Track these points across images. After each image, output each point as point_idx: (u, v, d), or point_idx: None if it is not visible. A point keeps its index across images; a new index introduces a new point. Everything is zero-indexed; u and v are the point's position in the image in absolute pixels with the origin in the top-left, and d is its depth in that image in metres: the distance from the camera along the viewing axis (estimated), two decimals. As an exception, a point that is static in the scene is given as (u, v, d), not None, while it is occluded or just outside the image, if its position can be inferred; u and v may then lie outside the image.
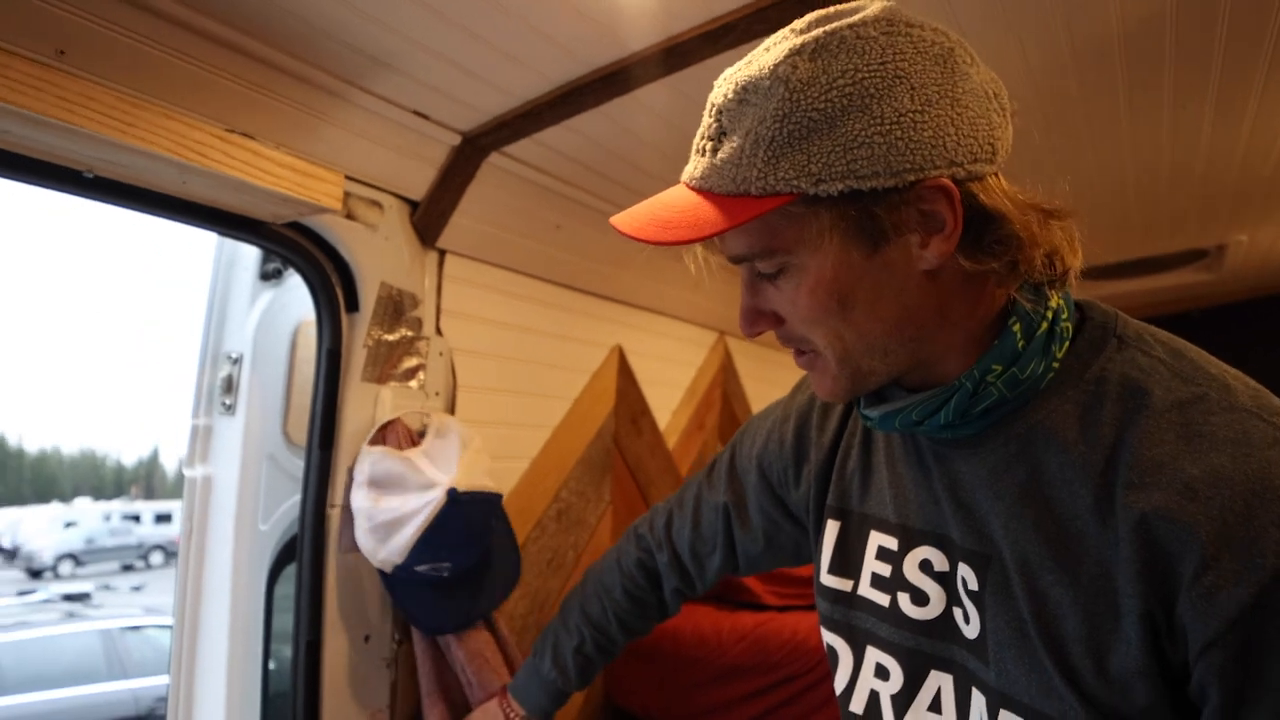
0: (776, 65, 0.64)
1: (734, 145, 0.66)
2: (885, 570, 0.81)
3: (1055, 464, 0.66)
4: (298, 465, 1.65)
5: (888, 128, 0.62)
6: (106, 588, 16.99)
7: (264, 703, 1.61)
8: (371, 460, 1.49)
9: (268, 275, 1.67)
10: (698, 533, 1.20)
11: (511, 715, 1.35)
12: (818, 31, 0.64)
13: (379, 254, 1.58)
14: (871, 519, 0.84)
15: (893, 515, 0.81)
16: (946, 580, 0.75)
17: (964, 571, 0.73)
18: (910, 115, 0.62)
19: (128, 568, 24.57)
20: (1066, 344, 0.70)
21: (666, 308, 2.58)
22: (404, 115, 1.48)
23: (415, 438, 1.63)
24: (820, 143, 0.63)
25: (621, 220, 0.71)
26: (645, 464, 2.50)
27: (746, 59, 0.70)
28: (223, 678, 1.58)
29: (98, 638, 6.91)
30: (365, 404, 1.59)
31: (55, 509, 31.67)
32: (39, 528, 27.09)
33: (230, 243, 1.68)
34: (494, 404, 1.91)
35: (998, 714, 0.68)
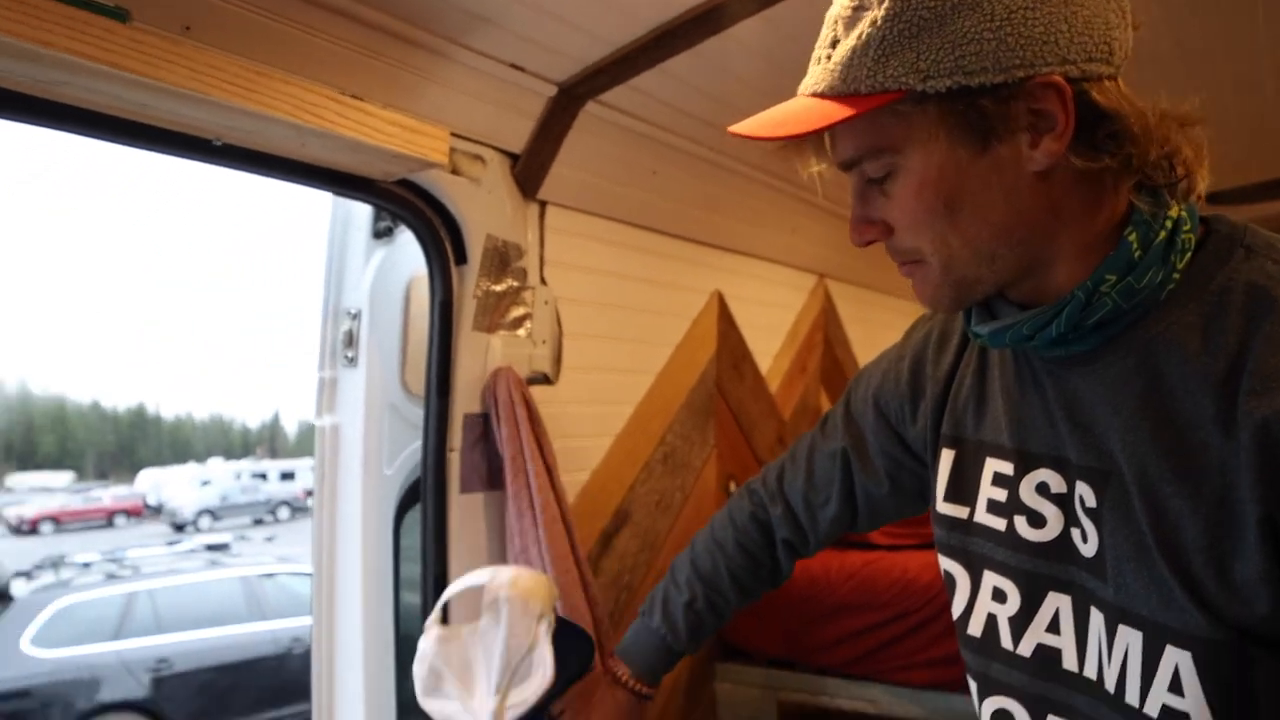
0: None
1: (848, 47, 0.67)
2: (1001, 495, 0.80)
3: (1176, 375, 0.65)
4: (416, 413, 1.73)
5: (998, 24, 0.61)
6: (243, 538, 18.28)
7: (396, 639, 1.72)
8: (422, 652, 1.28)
9: (380, 233, 1.75)
10: (811, 483, 1.16)
11: (620, 674, 1.24)
12: None
13: (483, 207, 1.62)
14: (987, 445, 0.83)
15: (1008, 440, 0.80)
16: (1064, 501, 0.74)
17: (1082, 490, 0.72)
18: (1021, 11, 0.61)
19: (258, 521, 26.33)
20: (1189, 255, 0.67)
21: (765, 251, 2.56)
22: (501, 69, 1.51)
23: (524, 386, 1.68)
24: (930, 40, 0.63)
25: (737, 126, 0.73)
26: (748, 408, 2.51)
27: None
28: (359, 615, 1.70)
29: (238, 583, 7.48)
30: (477, 352, 1.65)
31: (192, 469, 34.15)
32: (179, 487, 29.32)
33: (344, 205, 1.76)
34: (598, 350, 1.95)
35: (1115, 629, 0.68)
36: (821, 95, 0.69)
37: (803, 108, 0.69)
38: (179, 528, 24.65)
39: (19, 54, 0.87)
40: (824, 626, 2.12)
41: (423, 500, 1.63)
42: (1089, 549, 0.71)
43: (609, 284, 1.99)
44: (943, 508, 0.88)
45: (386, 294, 1.75)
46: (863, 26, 0.66)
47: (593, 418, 1.96)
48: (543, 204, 1.79)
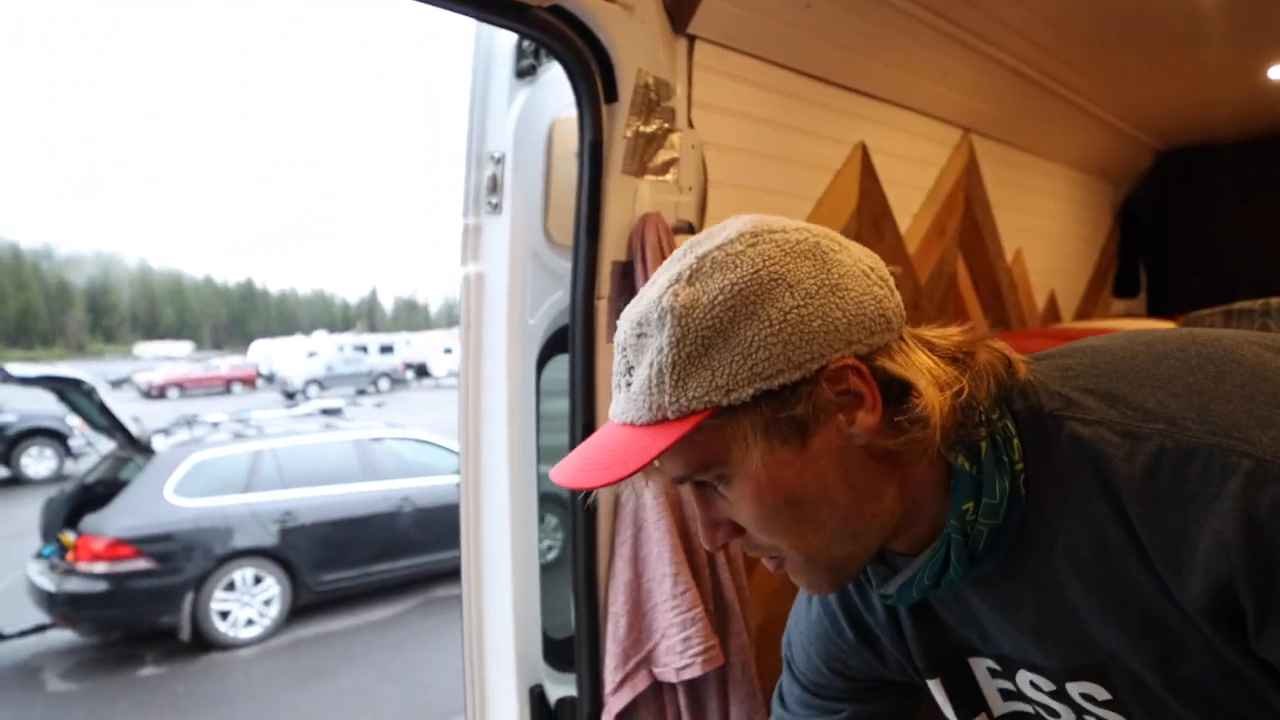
0: (660, 297, 0.66)
1: (643, 376, 0.67)
2: (1008, 685, 0.81)
3: (1100, 566, 0.66)
4: (558, 263, 1.70)
5: (778, 327, 0.64)
6: (354, 404, 19.30)
7: (537, 481, 1.75)
8: None
9: (523, 72, 1.67)
10: None
11: None
12: (691, 259, 0.67)
13: (634, 39, 1.52)
14: (963, 649, 0.83)
15: (979, 644, 0.80)
16: (1062, 697, 0.76)
17: (1082, 688, 0.73)
18: (795, 310, 0.64)
19: (361, 392, 27.70)
20: (1015, 441, 0.68)
21: (910, 100, 2.38)
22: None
23: (671, 234, 1.62)
24: (720, 356, 0.64)
25: (557, 473, 0.71)
26: (884, 271, 2.39)
27: (638, 296, 0.72)
28: (504, 462, 1.72)
29: (351, 446, 7.89)
30: (626, 197, 1.59)
31: (299, 341, 35.89)
32: (288, 358, 30.94)
33: (487, 42, 1.68)
34: (742, 200, 1.86)
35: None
36: (632, 424, 0.68)
37: (619, 440, 0.69)
38: (290, 395, 26.15)
39: None
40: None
41: (570, 348, 1.61)
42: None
43: (754, 130, 1.88)
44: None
45: (530, 137, 1.69)
46: (650, 354, 0.66)
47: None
48: (691, 39, 1.67)
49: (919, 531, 0.73)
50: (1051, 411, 0.67)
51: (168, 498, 6.43)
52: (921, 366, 0.67)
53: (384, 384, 29.59)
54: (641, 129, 1.59)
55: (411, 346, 36.01)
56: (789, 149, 1.99)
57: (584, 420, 1.60)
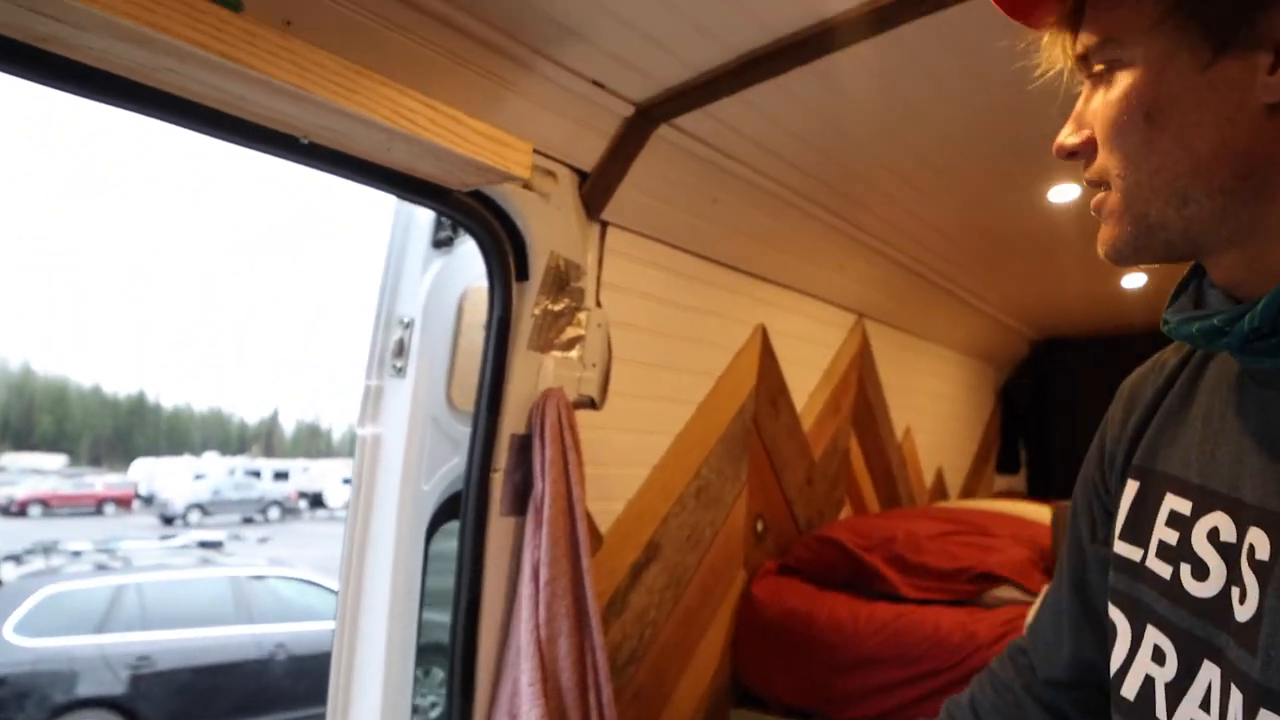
0: None
1: None
2: (1173, 538, 0.70)
3: None
4: (457, 429, 1.70)
5: None
6: (236, 538, 18.14)
7: (418, 650, 1.68)
8: None
9: (440, 243, 1.72)
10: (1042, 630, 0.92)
11: None
12: None
13: (550, 224, 1.60)
14: (1171, 479, 0.72)
15: (1194, 475, 0.69)
16: (1230, 551, 0.63)
17: (1254, 537, 0.60)
18: None
19: (248, 520, 26.11)
20: None
21: (808, 287, 2.54)
22: (582, 85, 1.49)
23: (571, 410, 1.65)
24: None
25: None
26: (781, 445, 2.47)
27: None
28: (383, 628, 1.65)
29: (227, 584, 7.37)
30: (530, 372, 1.62)
31: (185, 461, 33.96)
32: (172, 478, 29.15)
33: (406, 212, 1.74)
34: (645, 377, 1.92)
35: (1255, 715, 0.57)
36: None
37: None
38: (168, 520, 24.43)
39: (132, 38, 0.85)
40: (849, 678, 2.06)
41: (462, 520, 1.59)
42: (1245, 612, 0.60)
43: (660, 310, 1.96)
44: (1118, 546, 0.76)
45: (440, 305, 1.73)
46: None
47: (633, 446, 1.92)
48: (604, 224, 1.77)
49: (1258, 268, 0.60)
50: None
51: (6, 636, 5.80)
52: None
53: (274, 513, 27.96)
54: (550, 307, 1.64)
55: (309, 474, 34.50)
56: (693, 329, 2.08)
57: (470, 595, 1.56)
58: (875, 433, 3.07)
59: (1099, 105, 0.62)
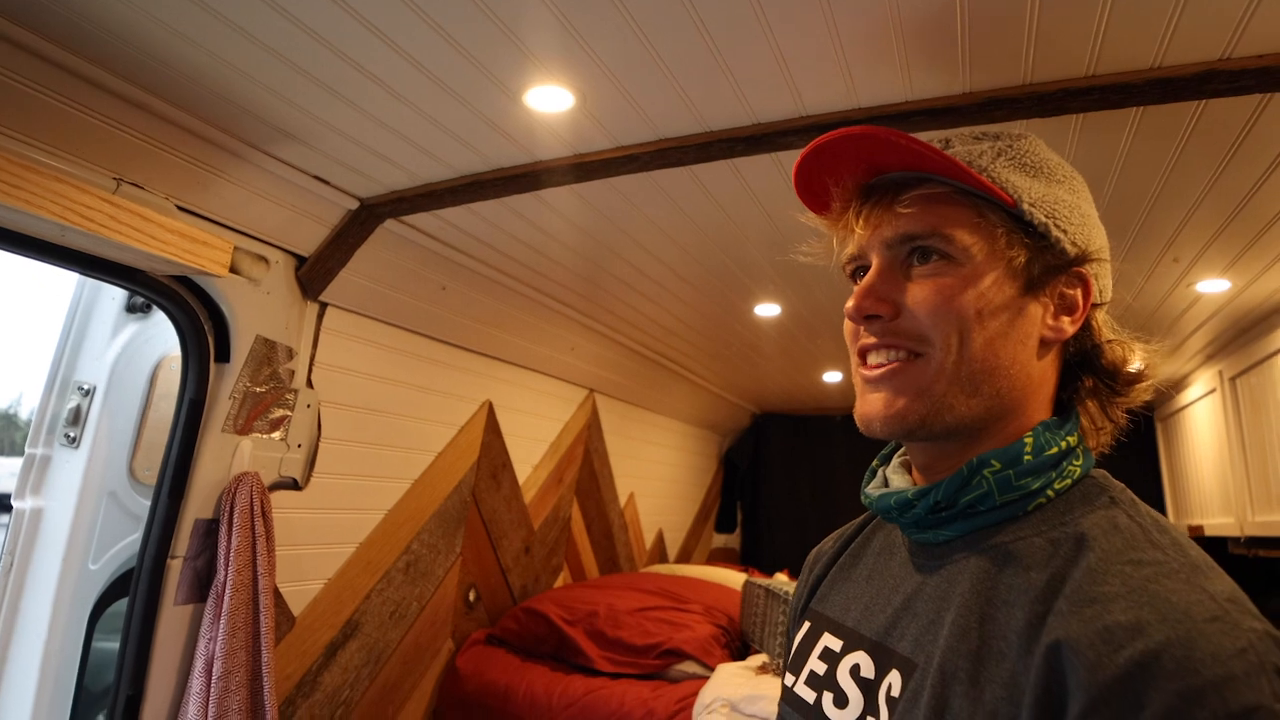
0: (1013, 128, 0.78)
1: (972, 150, 0.74)
2: (821, 669, 0.81)
3: (1005, 585, 0.66)
4: (140, 503, 1.60)
5: (1081, 213, 0.73)
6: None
7: (69, 752, 1.54)
8: None
9: (135, 308, 1.62)
10: None
11: None
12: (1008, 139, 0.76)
13: (258, 308, 1.56)
14: (831, 621, 0.84)
15: (850, 620, 0.81)
16: (870, 688, 0.74)
17: (891, 678, 0.71)
18: (1088, 216, 0.74)
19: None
20: (1067, 483, 0.70)
21: (538, 365, 2.64)
22: (303, 179, 1.48)
23: (266, 495, 1.61)
24: (1038, 184, 0.72)
25: (864, 128, 0.71)
26: (500, 517, 2.53)
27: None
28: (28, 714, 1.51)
29: None
30: (223, 454, 1.56)
31: None
32: None
33: (97, 270, 1.62)
34: (358, 456, 1.91)
35: None
36: (946, 155, 0.70)
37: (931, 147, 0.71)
38: None
39: None
40: (540, 751, 2.15)
41: (129, 608, 1.49)
42: None
43: (380, 389, 1.96)
44: (786, 677, 0.89)
45: (131, 372, 1.62)
46: (996, 144, 0.75)
47: (338, 524, 1.90)
48: (323, 305, 1.75)
49: (954, 463, 0.73)
50: (1116, 498, 0.69)
51: None
52: (1128, 354, 0.74)
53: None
54: (252, 388, 1.60)
55: (-8, 475, 29.53)
56: (415, 407, 2.09)
57: (130, 691, 1.46)
58: (599, 499, 3.22)
59: (922, 286, 0.71)
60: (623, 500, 3.44)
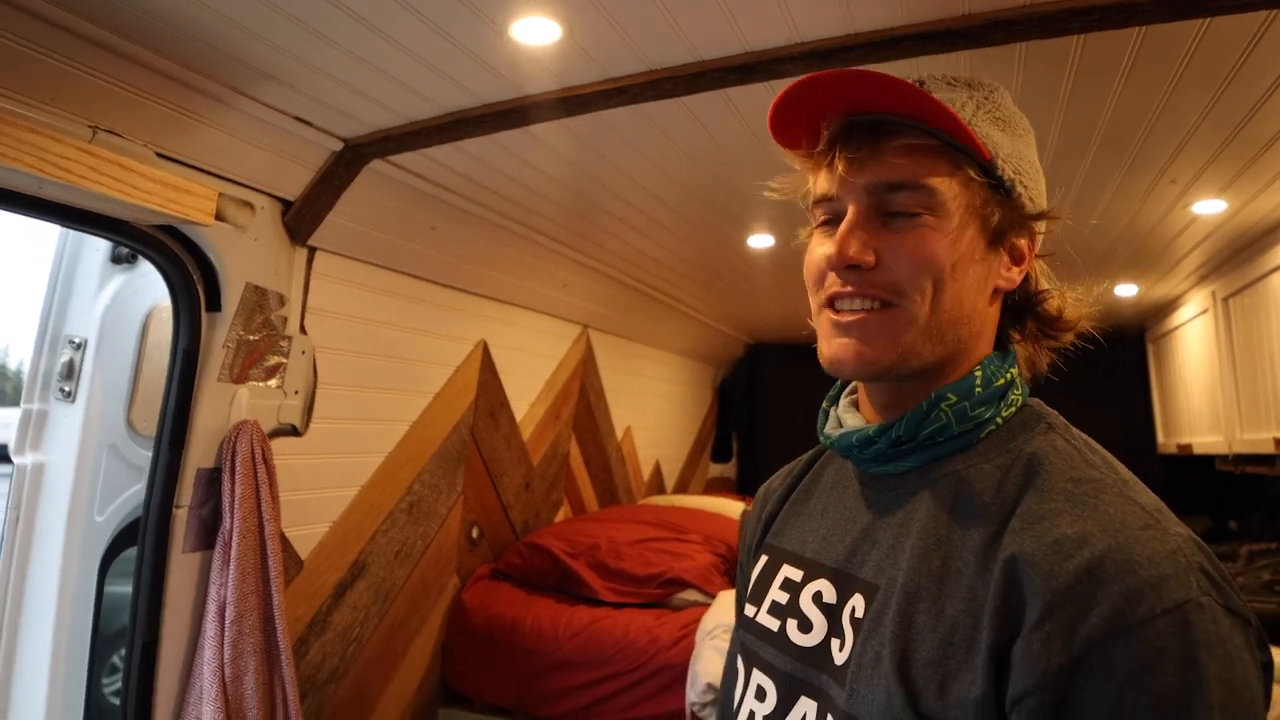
0: (980, 75, 0.78)
1: (957, 96, 0.75)
2: (784, 599, 0.84)
3: (961, 509, 0.71)
4: (141, 454, 1.60)
5: (1035, 168, 0.77)
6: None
7: (94, 704, 1.58)
8: None
9: (120, 259, 1.59)
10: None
11: None
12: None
13: (246, 255, 1.54)
14: (788, 554, 0.88)
15: (808, 551, 0.85)
16: (833, 612, 0.78)
17: (854, 602, 0.76)
18: (1039, 170, 0.77)
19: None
20: (1011, 410, 0.76)
21: (531, 303, 2.62)
22: (285, 120, 1.45)
23: (266, 442, 1.61)
24: (1007, 138, 0.75)
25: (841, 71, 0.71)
26: (499, 455, 2.55)
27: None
28: (45, 678, 1.54)
29: None
30: (220, 403, 1.56)
31: None
32: None
33: (79, 220, 1.59)
34: (354, 400, 1.91)
35: None
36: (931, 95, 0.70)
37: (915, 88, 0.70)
38: None
39: None
40: (546, 680, 2.21)
41: (139, 558, 1.51)
42: (841, 657, 0.75)
43: (373, 332, 1.95)
44: (746, 608, 0.92)
45: (121, 324, 1.60)
46: (976, 94, 0.76)
47: (340, 469, 1.91)
48: (312, 250, 1.73)
49: (907, 401, 0.77)
50: (1052, 424, 0.75)
51: None
52: (1063, 297, 0.79)
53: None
54: (246, 336, 1.59)
55: (-12, 424, 29.55)
56: (410, 349, 2.09)
57: (146, 638, 1.49)
58: (596, 434, 3.25)
59: (902, 239, 0.72)
60: (620, 434, 3.47)
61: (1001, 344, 0.80)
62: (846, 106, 0.72)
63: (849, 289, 0.74)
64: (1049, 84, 1.39)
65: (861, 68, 0.69)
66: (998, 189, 0.73)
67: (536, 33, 1.20)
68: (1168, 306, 3.48)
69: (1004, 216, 0.73)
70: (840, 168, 0.72)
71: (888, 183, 0.72)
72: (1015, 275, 0.76)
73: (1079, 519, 0.64)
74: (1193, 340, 3.20)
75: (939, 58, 1.25)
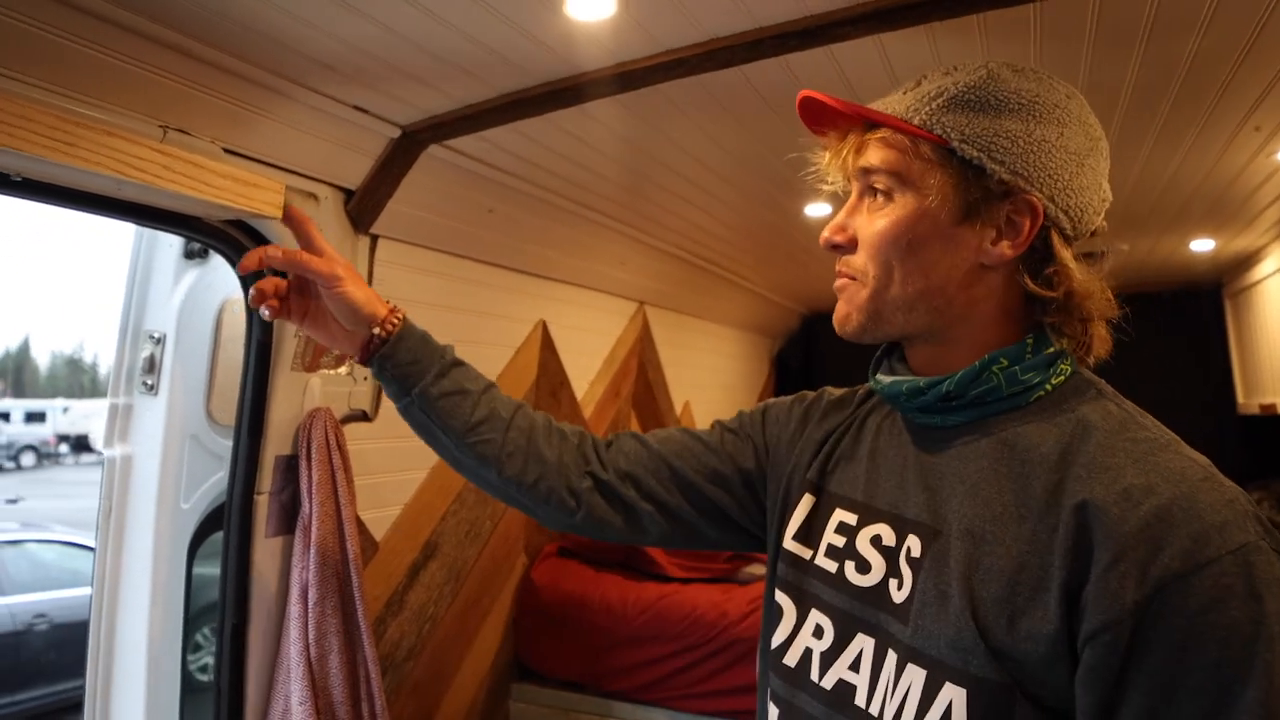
0: (989, 61, 0.80)
1: (922, 91, 0.80)
2: (840, 542, 0.89)
3: (1020, 460, 0.76)
4: (221, 444, 1.65)
5: (1033, 142, 0.77)
6: (-23, 492, 16.07)
7: (183, 679, 1.64)
8: None
9: (193, 254, 1.63)
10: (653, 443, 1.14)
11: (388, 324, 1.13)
12: (1028, 67, 0.81)
13: (313, 245, 1.56)
14: (840, 497, 0.93)
15: (860, 495, 0.90)
16: (891, 554, 0.83)
17: (910, 543, 0.81)
18: (1050, 143, 0.77)
19: (-5, 469, 23.24)
20: (1061, 379, 0.80)
21: (589, 281, 2.63)
22: (343, 110, 1.46)
23: (339, 429, 1.64)
24: (981, 120, 0.77)
25: (807, 92, 0.82)
26: (562, 433, 2.57)
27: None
28: (144, 658, 1.61)
29: (-30, 551, 6.62)
30: (294, 392, 1.60)
31: (-89, 404, 29.41)
32: (-105, 422, 25.23)
33: (152, 218, 1.63)
34: (420, 385, 1.94)
35: (904, 669, 0.76)
36: (880, 113, 0.81)
37: (871, 110, 0.82)
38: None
39: None
40: (617, 655, 2.24)
41: (225, 543, 1.56)
42: (900, 595, 0.80)
43: (436, 316, 1.98)
44: (790, 545, 0.95)
45: (196, 317, 1.65)
46: (947, 82, 0.79)
47: (409, 451, 1.94)
48: (374, 237, 1.75)
49: (939, 360, 0.83)
50: (1103, 391, 0.80)
51: None
52: (1074, 274, 0.78)
53: (28, 459, 25.03)
54: (315, 326, 1.61)
55: (69, 415, 30.95)
56: (471, 331, 2.11)
57: (235, 620, 1.55)
58: (655, 411, 3.25)
59: (869, 221, 0.82)
60: (678, 409, 3.47)
61: (1038, 324, 0.82)
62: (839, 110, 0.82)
63: (843, 269, 0.85)
64: (1125, 33, 1.33)
65: (824, 96, 0.80)
66: (967, 167, 0.77)
67: (591, 8, 1.18)
68: (1248, 260, 3.32)
69: (971, 192, 0.77)
70: (851, 153, 0.83)
71: (864, 168, 0.82)
72: (1005, 250, 0.78)
73: (1142, 471, 0.68)
74: (1275, 295, 3.06)
75: (1004, 13, 1.21)
